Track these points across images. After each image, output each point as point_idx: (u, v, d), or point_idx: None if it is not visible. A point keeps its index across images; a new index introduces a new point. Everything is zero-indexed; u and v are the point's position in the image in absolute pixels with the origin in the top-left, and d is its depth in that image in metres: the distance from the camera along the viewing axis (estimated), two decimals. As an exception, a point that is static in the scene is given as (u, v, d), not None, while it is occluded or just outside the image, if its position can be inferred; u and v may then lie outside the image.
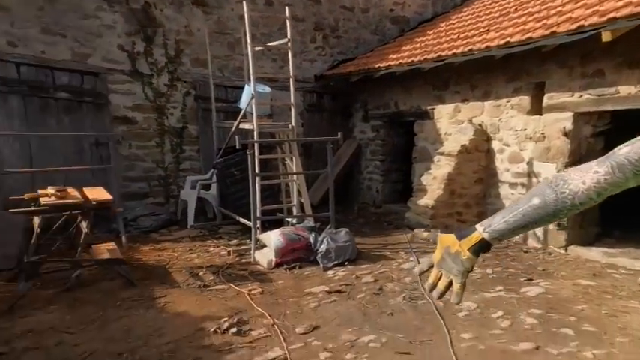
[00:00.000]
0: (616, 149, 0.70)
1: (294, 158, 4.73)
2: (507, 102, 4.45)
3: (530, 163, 4.23)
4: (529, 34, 3.69)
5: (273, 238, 3.82)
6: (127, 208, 4.85)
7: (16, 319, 2.56)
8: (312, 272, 3.56)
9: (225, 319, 2.52)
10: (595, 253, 3.71)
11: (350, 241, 3.89)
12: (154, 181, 5.36)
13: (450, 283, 0.85)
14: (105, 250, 3.44)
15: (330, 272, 3.54)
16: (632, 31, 2.98)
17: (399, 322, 2.55)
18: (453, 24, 5.87)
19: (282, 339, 2.31)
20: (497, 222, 0.80)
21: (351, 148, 6.62)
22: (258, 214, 4.10)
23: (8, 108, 4.44)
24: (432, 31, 6.00)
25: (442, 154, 4.79)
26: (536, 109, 4.16)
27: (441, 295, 0.86)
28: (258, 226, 4.07)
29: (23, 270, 2.88)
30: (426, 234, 4.50)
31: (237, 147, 3.99)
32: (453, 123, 5.10)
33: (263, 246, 3.97)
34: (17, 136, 4.38)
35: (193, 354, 2.13)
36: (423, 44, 5.55)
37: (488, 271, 3.47)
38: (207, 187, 5.20)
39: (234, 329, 2.40)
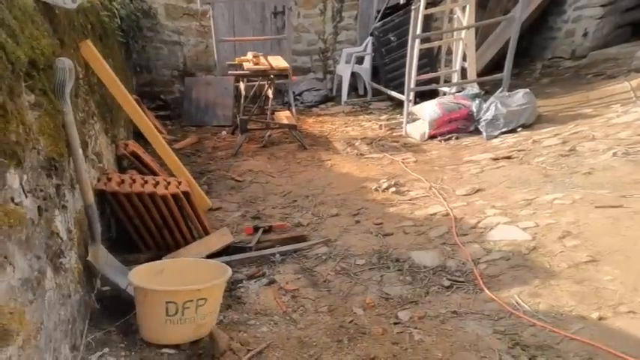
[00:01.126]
0: None
1: (467, 7, 3.88)
2: None
3: None
4: None
5: (428, 108, 3.63)
6: (294, 83, 5.32)
7: (240, 161, 3.51)
8: (472, 142, 3.36)
9: (384, 180, 2.76)
10: None
11: (528, 104, 3.31)
12: (315, 55, 5.62)
13: None
14: (284, 117, 4.14)
15: (496, 141, 3.25)
16: None
17: (602, 180, 2.20)
18: None
19: (442, 199, 2.40)
20: None
21: None
22: (412, 85, 3.87)
23: (221, -26, 4.93)
24: None
25: None
26: None
27: None
28: (411, 98, 3.89)
29: (238, 126, 3.82)
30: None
31: (401, 2, 3.54)
32: None
33: (415, 120, 3.89)
34: (226, 5, 5.05)
35: (360, 204, 2.50)
36: None
37: None
38: (360, 61, 5.14)
39: (393, 189, 2.63)
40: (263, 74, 3.66)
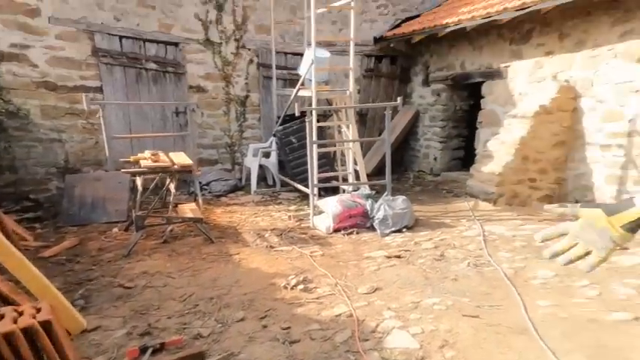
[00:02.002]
0: None
1: (350, 125, 4.72)
2: (609, 50, 3.83)
3: (633, 121, 3.69)
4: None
5: (331, 204, 3.95)
6: (201, 173, 5.31)
7: (134, 262, 3.08)
8: (369, 238, 3.65)
9: (293, 276, 2.74)
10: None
11: (407, 209, 3.89)
12: (221, 149, 5.78)
13: (586, 254, 0.83)
14: (188, 210, 3.89)
15: (388, 239, 3.61)
16: None
17: (464, 288, 2.55)
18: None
19: (346, 297, 2.46)
20: None
21: (408, 114, 6.38)
22: (315, 182, 4.24)
23: (113, 79, 4.97)
24: (511, -23, 5.22)
25: (515, 116, 4.39)
26: (649, 55, 3.54)
27: (569, 262, 0.83)
28: (315, 193, 4.22)
29: (133, 222, 3.42)
30: (490, 206, 4.32)
31: (296, 114, 4.11)
32: (531, 81, 4.59)
33: (321, 212, 4.14)
34: (120, 105, 4.97)
35: (269, 305, 2.38)
36: (500, -7, 4.90)
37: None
38: (267, 155, 5.46)
39: (301, 286, 2.61)
40: (163, 171, 3.56)
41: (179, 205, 4.05)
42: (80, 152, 4.81)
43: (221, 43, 5.48)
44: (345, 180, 4.90)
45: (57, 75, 4.63)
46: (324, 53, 4.70)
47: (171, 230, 3.69)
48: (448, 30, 4.99)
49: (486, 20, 4.49)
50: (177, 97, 5.34)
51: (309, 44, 4.42)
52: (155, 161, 3.54)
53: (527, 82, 4.62)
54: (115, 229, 3.88)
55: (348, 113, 4.78)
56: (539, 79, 4.48)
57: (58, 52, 4.61)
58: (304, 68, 4.68)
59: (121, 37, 4.94)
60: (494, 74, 5.03)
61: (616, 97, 3.79)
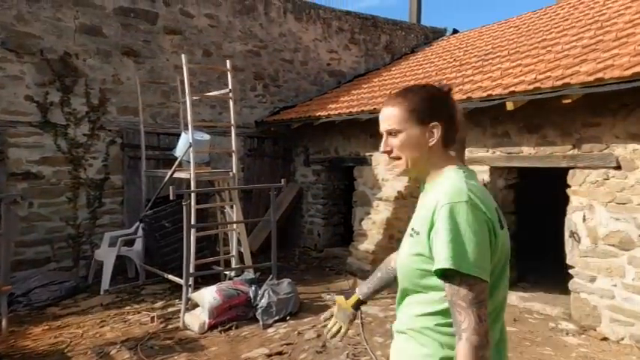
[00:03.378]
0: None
1: (234, 206, 4.53)
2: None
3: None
4: (449, 97, 4.16)
5: (208, 295, 3.50)
6: (17, 280, 4.10)
7: None
8: (250, 332, 3.32)
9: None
10: (514, 298, 4.02)
11: (292, 293, 3.74)
12: (60, 243, 4.71)
13: (339, 329, 1.32)
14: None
15: (271, 330, 3.35)
16: (529, 103, 3.51)
17: None
18: (384, 80, 6.42)
19: None
20: (364, 288, 1.34)
21: (293, 191, 6.61)
22: (191, 270, 3.77)
23: None
24: (366, 85, 6.48)
25: (380, 199, 4.98)
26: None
27: (333, 336, 1.32)
28: (190, 283, 3.73)
29: None
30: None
31: (172, 197, 3.69)
32: (389, 170, 5.38)
33: (195, 306, 3.61)
34: None
35: None
36: (359, 96, 5.94)
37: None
38: (130, 243, 4.67)
39: None
40: None
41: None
42: None
43: (68, 125, 4.84)
44: (227, 264, 4.46)
45: None
46: (204, 136, 4.57)
47: None
48: (321, 121, 5.64)
49: (350, 117, 5.29)
50: (-14, 190, 4.26)
51: (187, 127, 4.25)
52: None
53: (386, 170, 5.43)
54: None
55: (231, 194, 4.59)
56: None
57: None
58: (181, 150, 4.41)
59: None
60: (362, 161, 5.79)
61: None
